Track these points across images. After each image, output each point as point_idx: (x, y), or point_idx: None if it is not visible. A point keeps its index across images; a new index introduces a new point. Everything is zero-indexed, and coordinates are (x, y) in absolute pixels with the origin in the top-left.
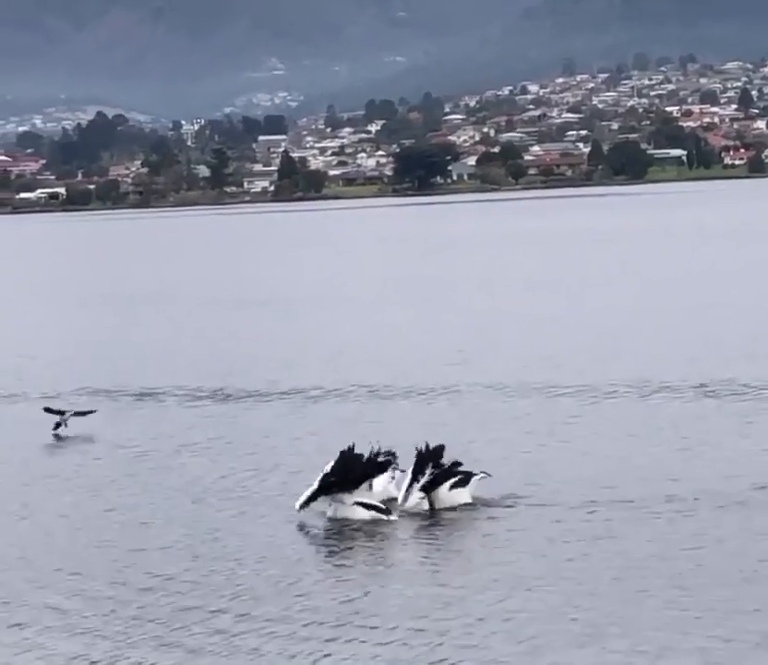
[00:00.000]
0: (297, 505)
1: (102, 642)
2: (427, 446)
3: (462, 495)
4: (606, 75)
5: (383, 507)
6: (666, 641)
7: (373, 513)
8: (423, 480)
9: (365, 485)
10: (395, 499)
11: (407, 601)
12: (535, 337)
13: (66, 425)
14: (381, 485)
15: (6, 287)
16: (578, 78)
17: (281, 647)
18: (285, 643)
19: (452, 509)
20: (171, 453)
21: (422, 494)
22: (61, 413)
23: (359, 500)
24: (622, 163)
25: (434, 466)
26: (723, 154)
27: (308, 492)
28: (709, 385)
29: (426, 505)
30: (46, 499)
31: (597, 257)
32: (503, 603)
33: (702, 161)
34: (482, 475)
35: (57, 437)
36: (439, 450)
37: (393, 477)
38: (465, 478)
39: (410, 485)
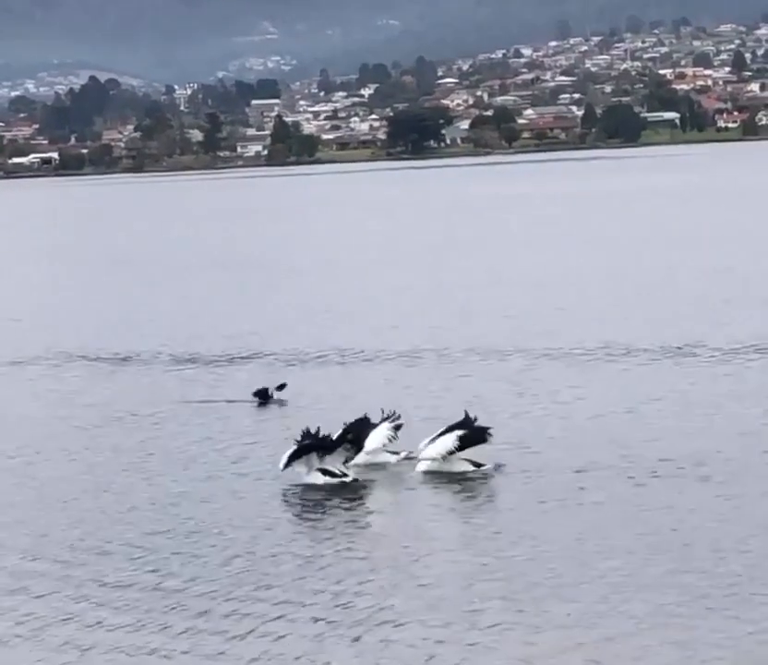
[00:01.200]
0: (281, 465)
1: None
2: (468, 418)
3: (465, 466)
4: (599, 38)
5: (338, 472)
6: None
7: (328, 479)
8: (449, 444)
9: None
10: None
11: (379, 562)
12: (522, 299)
13: (272, 395)
14: (376, 442)
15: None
16: (571, 41)
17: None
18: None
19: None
20: (146, 415)
21: (438, 457)
22: (265, 393)
23: (321, 467)
24: (616, 126)
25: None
26: (716, 117)
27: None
28: (690, 348)
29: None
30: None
31: (588, 219)
32: (474, 565)
33: (696, 124)
34: (492, 465)
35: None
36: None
37: (393, 436)
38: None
39: (432, 441)
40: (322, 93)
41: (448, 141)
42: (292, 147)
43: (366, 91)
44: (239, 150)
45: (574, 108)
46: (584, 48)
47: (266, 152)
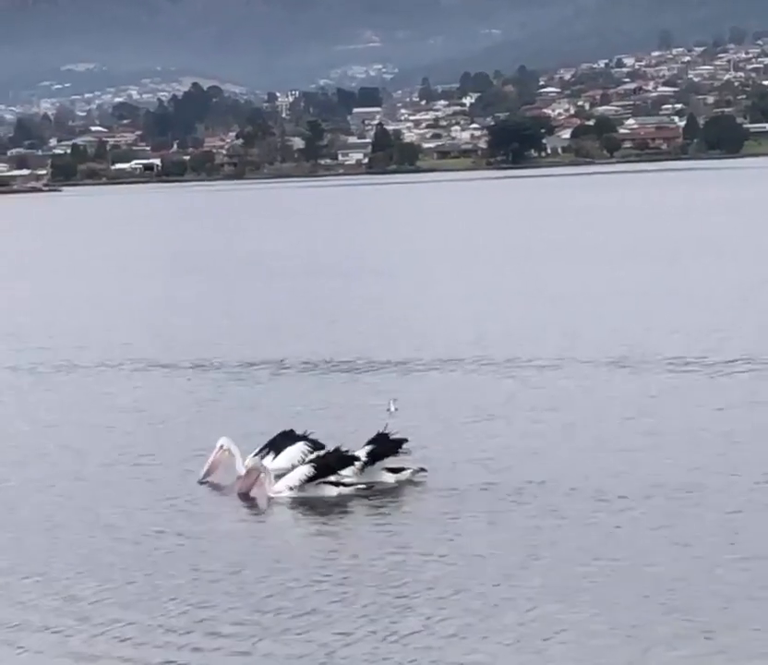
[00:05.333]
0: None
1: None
2: (386, 434)
3: (387, 478)
4: (702, 48)
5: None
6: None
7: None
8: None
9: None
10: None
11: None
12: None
13: (393, 410)
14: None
15: (93, 256)
16: (674, 51)
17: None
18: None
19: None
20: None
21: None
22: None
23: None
24: (718, 137)
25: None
26: None
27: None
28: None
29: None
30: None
31: (674, 232)
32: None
33: None
34: (418, 469)
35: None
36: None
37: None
38: (398, 469)
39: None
40: (423, 102)
41: (548, 151)
42: (393, 155)
43: (468, 100)
44: (340, 158)
45: (676, 118)
46: (687, 58)
47: (367, 160)
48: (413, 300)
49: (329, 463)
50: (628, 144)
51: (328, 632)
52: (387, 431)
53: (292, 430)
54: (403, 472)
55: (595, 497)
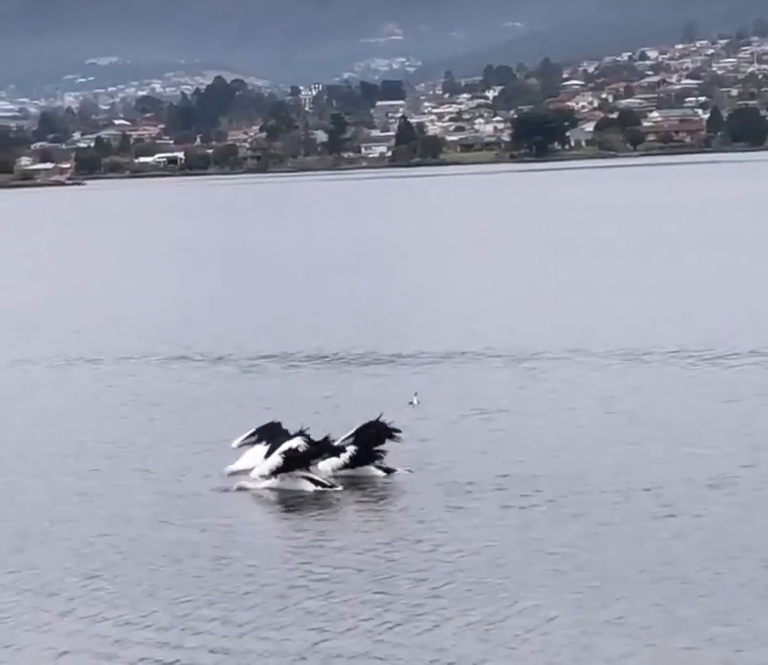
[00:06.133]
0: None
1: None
2: (382, 423)
3: (377, 473)
4: (725, 41)
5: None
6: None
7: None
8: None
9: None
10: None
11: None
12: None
13: (415, 403)
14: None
15: (110, 251)
16: (697, 44)
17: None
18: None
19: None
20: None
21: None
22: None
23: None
24: (741, 129)
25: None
26: None
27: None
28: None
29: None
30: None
31: (696, 225)
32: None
33: None
34: (406, 470)
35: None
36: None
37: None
38: (387, 469)
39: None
40: (447, 95)
41: (572, 144)
42: (416, 148)
43: (491, 93)
44: (363, 151)
45: (700, 111)
46: (711, 51)
47: (390, 153)
48: (421, 294)
49: (302, 455)
50: (651, 137)
51: (313, 626)
52: (382, 420)
53: (279, 423)
54: (392, 473)
55: (600, 491)
